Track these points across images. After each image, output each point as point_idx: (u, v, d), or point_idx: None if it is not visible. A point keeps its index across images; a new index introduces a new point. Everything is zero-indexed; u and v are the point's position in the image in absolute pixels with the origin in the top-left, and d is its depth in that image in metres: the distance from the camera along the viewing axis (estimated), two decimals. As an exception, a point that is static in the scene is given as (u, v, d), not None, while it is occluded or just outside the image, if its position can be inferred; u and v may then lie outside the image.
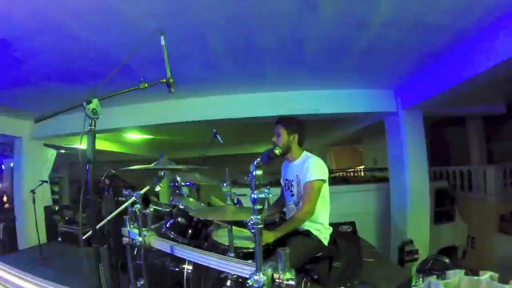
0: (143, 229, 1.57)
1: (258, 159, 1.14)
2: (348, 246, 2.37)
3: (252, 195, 1.04)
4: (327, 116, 5.01)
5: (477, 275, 1.60)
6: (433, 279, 1.64)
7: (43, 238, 5.31)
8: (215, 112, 4.73)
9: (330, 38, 2.88)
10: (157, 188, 1.80)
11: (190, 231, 2.00)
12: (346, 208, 4.86)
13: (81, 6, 2.15)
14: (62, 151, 7.15)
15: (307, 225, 1.99)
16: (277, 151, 1.80)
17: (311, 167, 1.93)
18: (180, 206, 2.08)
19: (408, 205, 4.53)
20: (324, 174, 1.94)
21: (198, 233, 2.05)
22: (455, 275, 1.63)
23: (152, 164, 1.81)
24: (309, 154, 2.09)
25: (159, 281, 1.86)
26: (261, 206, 1.06)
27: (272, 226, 2.08)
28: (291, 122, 2.09)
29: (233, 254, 1.47)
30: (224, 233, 1.88)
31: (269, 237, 1.69)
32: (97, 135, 1.15)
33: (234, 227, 1.56)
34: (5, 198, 6.70)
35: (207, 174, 2.55)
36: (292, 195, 2.09)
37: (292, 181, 2.08)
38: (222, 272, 1.47)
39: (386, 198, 5.32)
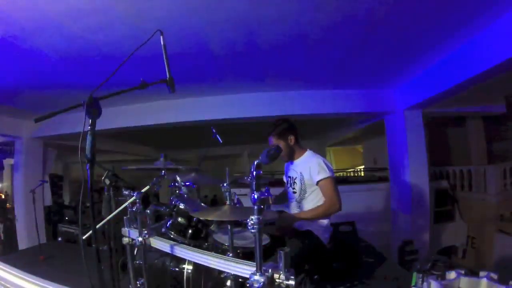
0: (143, 229, 1.57)
1: (259, 159, 1.14)
2: (347, 246, 2.37)
3: (253, 195, 1.04)
4: (327, 116, 5.01)
5: (477, 275, 1.60)
6: (433, 279, 1.65)
7: (43, 238, 5.31)
8: (215, 112, 4.73)
9: (330, 38, 2.88)
10: (157, 188, 1.79)
11: (190, 231, 2.00)
12: (346, 208, 4.85)
13: (81, 6, 2.15)
14: (62, 150, 7.15)
15: (307, 225, 1.99)
16: (278, 151, 1.80)
17: (321, 166, 1.94)
18: (180, 206, 2.08)
19: (408, 205, 4.53)
20: (332, 172, 1.98)
21: (198, 233, 2.05)
22: (455, 275, 1.63)
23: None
24: (313, 153, 2.09)
25: (159, 281, 1.86)
26: (262, 206, 1.05)
27: (271, 226, 2.07)
28: (282, 128, 2.07)
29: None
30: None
31: (288, 219, 1.85)
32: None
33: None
34: (5, 197, 6.70)
35: (207, 174, 2.54)
36: (294, 192, 2.08)
37: (295, 178, 2.07)
38: (222, 272, 1.47)
39: (386, 198, 5.31)
